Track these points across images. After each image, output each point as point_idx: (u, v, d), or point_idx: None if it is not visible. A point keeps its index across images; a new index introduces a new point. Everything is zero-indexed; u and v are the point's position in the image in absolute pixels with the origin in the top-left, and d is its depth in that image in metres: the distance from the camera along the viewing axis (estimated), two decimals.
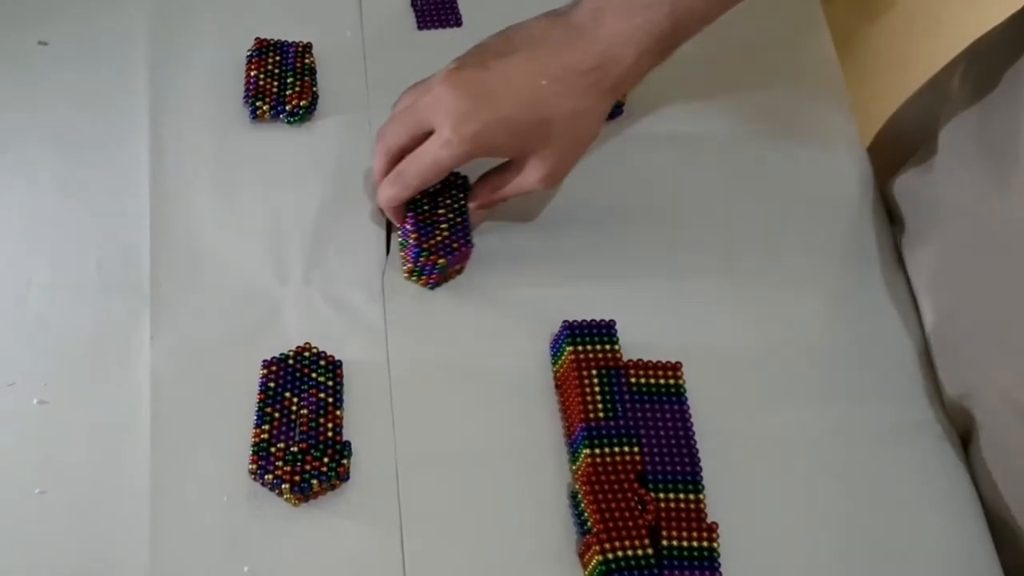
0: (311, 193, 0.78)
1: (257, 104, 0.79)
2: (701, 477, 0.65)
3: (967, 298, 0.71)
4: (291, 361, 0.69)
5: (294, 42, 0.82)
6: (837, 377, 0.72)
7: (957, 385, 0.71)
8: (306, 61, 0.82)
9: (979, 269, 0.70)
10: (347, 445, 0.66)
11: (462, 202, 0.73)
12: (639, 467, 0.65)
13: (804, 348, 0.73)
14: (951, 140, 0.75)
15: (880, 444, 0.70)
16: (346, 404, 0.68)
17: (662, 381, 0.68)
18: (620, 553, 0.62)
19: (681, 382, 0.69)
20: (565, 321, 0.70)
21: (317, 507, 0.65)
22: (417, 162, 0.69)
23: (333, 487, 0.66)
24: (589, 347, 0.69)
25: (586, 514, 0.64)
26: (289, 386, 0.68)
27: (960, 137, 0.74)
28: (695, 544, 0.63)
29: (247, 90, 0.80)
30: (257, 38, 0.82)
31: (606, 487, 0.64)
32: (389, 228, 0.76)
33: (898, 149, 0.82)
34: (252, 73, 0.80)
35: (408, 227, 0.72)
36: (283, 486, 0.64)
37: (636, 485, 0.65)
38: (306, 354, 0.69)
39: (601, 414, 0.67)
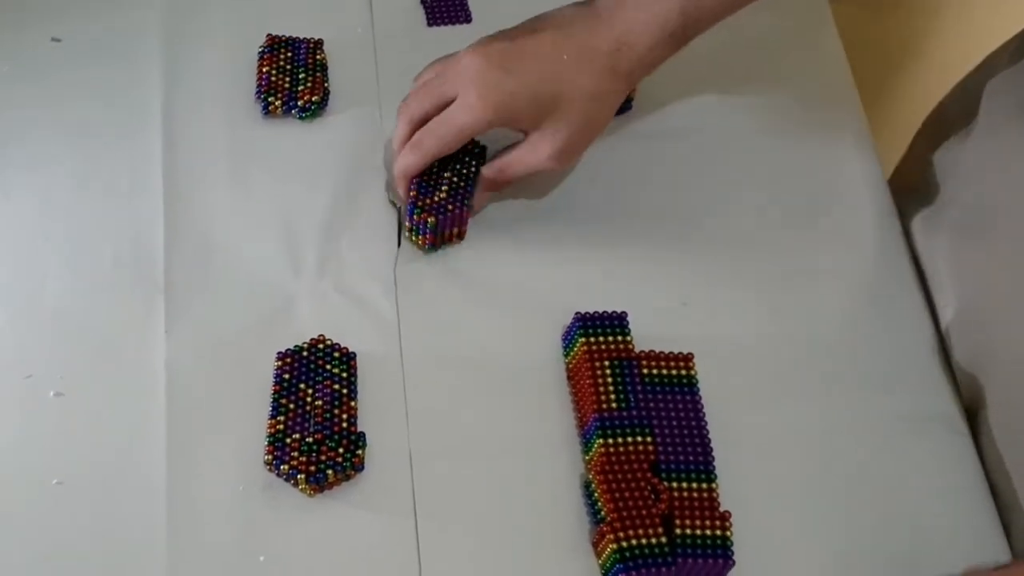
0: (323, 187, 0.78)
1: (269, 100, 0.80)
2: (714, 466, 0.66)
3: (995, 260, 0.72)
4: (305, 353, 0.69)
5: (306, 38, 0.83)
6: (848, 368, 0.73)
7: (969, 352, 0.72)
8: (317, 57, 0.82)
9: (1011, 228, 0.71)
10: (361, 436, 0.66)
11: (472, 169, 0.74)
12: (652, 457, 0.66)
13: (814, 339, 0.74)
14: (992, 103, 0.76)
15: (891, 435, 0.70)
16: (360, 395, 0.69)
17: (674, 372, 0.69)
18: (634, 542, 0.62)
19: (693, 373, 0.69)
20: (577, 313, 0.71)
21: (332, 497, 0.66)
22: (437, 127, 0.71)
23: (348, 477, 0.66)
24: (601, 338, 0.69)
25: (600, 503, 0.65)
26: (304, 377, 0.68)
27: (1002, 97, 0.75)
28: (708, 532, 0.63)
29: (259, 86, 0.80)
30: (269, 34, 0.83)
31: (619, 476, 0.65)
32: (400, 221, 0.77)
33: (942, 134, 0.82)
34: (264, 69, 0.81)
35: (412, 186, 0.73)
36: (298, 476, 0.64)
37: (649, 475, 0.65)
38: (320, 346, 0.69)
39: (614, 404, 0.67)
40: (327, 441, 0.66)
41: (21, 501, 0.65)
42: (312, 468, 0.65)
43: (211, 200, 0.77)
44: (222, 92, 0.81)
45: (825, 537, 0.67)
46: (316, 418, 0.67)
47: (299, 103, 0.80)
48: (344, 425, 0.67)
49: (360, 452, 0.66)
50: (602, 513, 0.64)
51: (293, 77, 0.81)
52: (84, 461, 0.66)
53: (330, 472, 0.65)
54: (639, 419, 0.67)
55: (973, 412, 0.72)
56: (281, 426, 0.66)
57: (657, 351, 0.69)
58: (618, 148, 0.81)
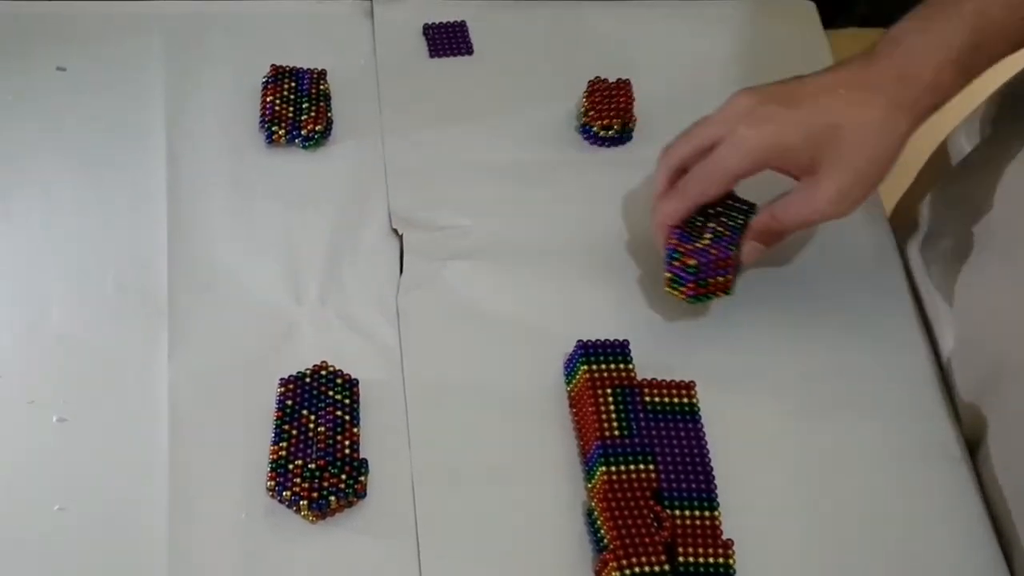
0: (326, 215, 0.79)
1: (273, 129, 0.80)
2: (716, 495, 0.66)
3: (996, 289, 0.72)
4: (308, 379, 0.69)
5: (309, 69, 0.84)
6: (848, 398, 0.73)
7: (972, 382, 0.72)
8: (321, 87, 0.83)
9: (1011, 257, 0.71)
10: (364, 462, 0.67)
11: (739, 221, 0.70)
12: (654, 484, 0.66)
13: (815, 369, 0.74)
14: (1007, 99, 0.77)
15: (892, 465, 0.71)
16: (362, 422, 0.69)
17: (676, 400, 0.69)
18: (637, 569, 0.62)
19: (695, 401, 0.69)
20: (579, 341, 0.71)
21: (334, 524, 0.66)
22: (701, 169, 0.68)
23: (350, 504, 0.66)
24: (603, 366, 0.70)
25: (602, 531, 0.65)
26: (306, 404, 0.68)
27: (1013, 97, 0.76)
28: (711, 560, 0.63)
29: (263, 115, 0.81)
30: (273, 65, 0.83)
31: (622, 504, 0.65)
32: (402, 250, 0.77)
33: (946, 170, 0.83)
34: (268, 99, 0.81)
35: (672, 235, 0.70)
36: (301, 503, 0.64)
37: (652, 502, 0.65)
38: (323, 372, 0.70)
39: (616, 432, 0.67)
40: (329, 467, 0.66)
41: (23, 527, 0.64)
42: (315, 494, 0.65)
43: (214, 227, 0.77)
44: (226, 121, 0.82)
45: (826, 566, 0.67)
46: (319, 444, 0.67)
47: (302, 132, 0.80)
48: (347, 451, 0.67)
49: (363, 479, 0.66)
50: (605, 541, 0.64)
51: (296, 107, 0.81)
52: (86, 487, 0.66)
53: (332, 498, 0.65)
54: (641, 447, 0.67)
55: (975, 443, 0.73)
56: (284, 452, 0.66)
57: (659, 379, 0.70)
58: (620, 176, 0.81)
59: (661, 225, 0.70)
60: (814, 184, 0.66)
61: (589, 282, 0.77)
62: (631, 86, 0.84)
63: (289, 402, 0.68)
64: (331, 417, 0.68)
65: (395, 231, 0.78)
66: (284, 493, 0.65)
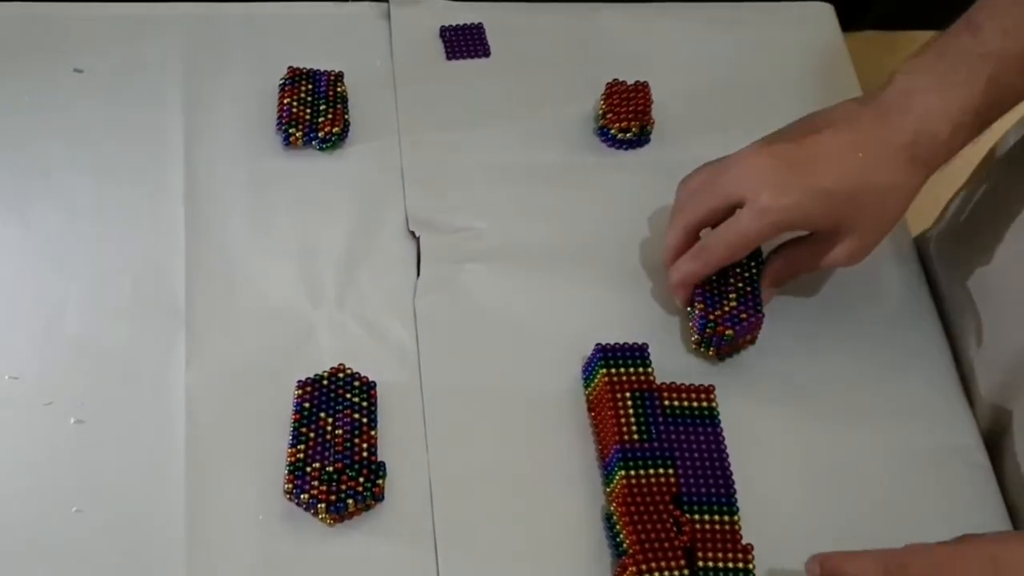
0: (343, 218, 0.78)
1: (290, 131, 0.80)
2: (736, 499, 0.65)
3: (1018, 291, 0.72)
4: (325, 382, 0.69)
5: (326, 71, 0.83)
6: (869, 401, 0.73)
7: (995, 383, 0.71)
8: (338, 89, 0.83)
9: None
10: (382, 465, 0.66)
11: (754, 271, 0.71)
12: (674, 489, 0.65)
13: (837, 372, 0.74)
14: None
15: (913, 468, 0.70)
16: (380, 425, 0.69)
17: (695, 404, 0.69)
18: (656, 574, 0.62)
19: (714, 405, 0.69)
20: (598, 344, 0.71)
21: (352, 527, 0.65)
22: (725, 233, 0.68)
23: (368, 507, 0.66)
24: (622, 370, 0.69)
25: (621, 536, 0.64)
26: (324, 406, 0.68)
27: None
28: (731, 565, 0.63)
29: (280, 117, 0.81)
30: (290, 67, 0.83)
31: (641, 508, 0.64)
32: (419, 252, 0.77)
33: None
34: (285, 101, 0.81)
35: (695, 296, 0.71)
36: (319, 505, 0.64)
37: (671, 507, 0.65)
38: (340, 375, 0.69)
39: (636, 436, 0.67)
40: (347, 470, 0.65)
41: (40, 529, 0.64)
42: (332, 497, 0.64)
43: (231, 230, 0.77)
44: (243, 123, 0.82)
45: None
46: (336, 447, 0.66)
47: (319, 134, 0.80)
48: (364, 454, 0.66)
49: (380, 482, 0.66)
50: (624, 545, 0.64)
51: (314, 109, 0.81)
52: (104, 489, 0.66)
53: (350, 501, 0.64)
54: (661, 451, 0.66)
55: (996, 439, 0.72)
56: (301, 455, 0.66)
57: (678, 383, 0.69)
58: (638, 179, 0.81)
59: (682, 286, 0.71)
60: (831, 240, 0.68)
61: (607, 285, 0.76)
62: (649, 88, 0.84)
63: (307, 405, 0.68)
64: (349, 420, 0.68)
65: (412, 233, 0.78)
66: (302, 496, 0.65)
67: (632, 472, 0.65)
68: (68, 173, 0.79)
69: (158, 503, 0.66)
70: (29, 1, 0.86)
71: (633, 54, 0.89)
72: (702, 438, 0.67)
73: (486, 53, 0.88)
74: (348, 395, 0.69)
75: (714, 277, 0.71)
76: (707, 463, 0.67)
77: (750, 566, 0.63)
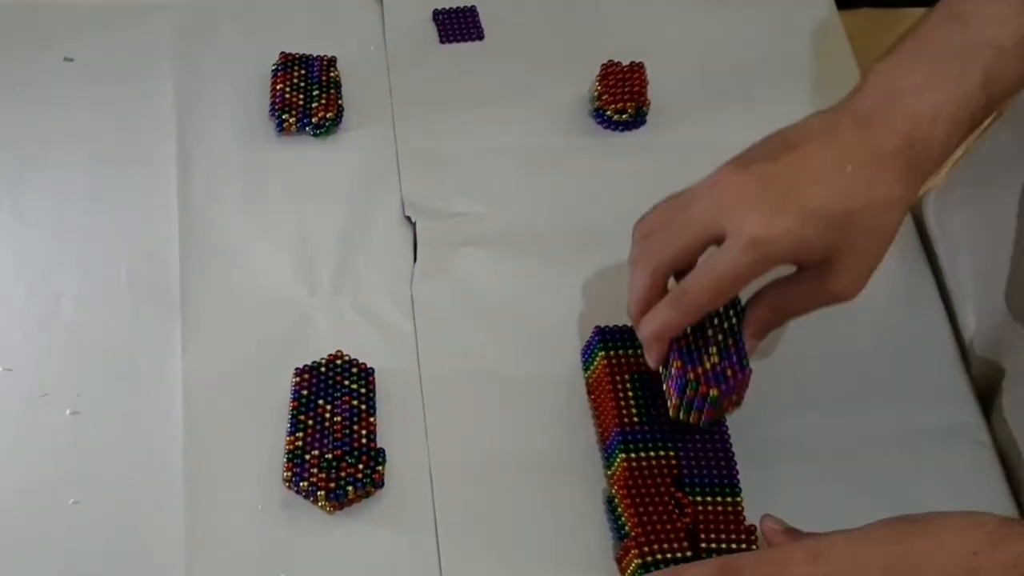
0: (338, 204, 0.78)
1: (284, 117, 0.80)
2: (738, 480, 0.65)
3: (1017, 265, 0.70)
4: (323, 369, 0.69)
5: (319, 56, 0.83)
6: (870, 381, 0.72)
7: (990, 334, 0.70)
8: (331, 75, 0.82)
9: None
10: (381, 452, 0.66)
11: (734, 319, 0.61)
12: (675, 471, 0.65)
13: (839, 352, 0.73)
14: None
15: (915, 447, 0.70)
16: (379, 411, 0.68)
17: None
18: (659, 556, 0.62)
19: None
20: (597, 327, 0.70)
21: (352, 514, 0.65)
22: (707, 275, 0.57)
23: (368, 494, 0.65)
24: (622, 352, 0.69)
25: (623, 518, 0.64)
26: (322, 394, 0.67)
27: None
28: (734, 547, 0.63)
29: (273, 103, 0.80)
30: (282, 52, 0.83)
31: (643, 491, 0.64)
32: (416, 238, 0.76)
33: None
34: (278, 87, 0.81)
35: (672, 353, 0.61)
36: (318, 493, 0.64)
37: (673, 489, 0.64)
38: (338, 362, 0.69)
39: (636, 419, 0.66)
40: (347, 457, 0.65)
41: (37, 520, 0.64)
42: (332, 485, 0.64)
43: (226, 217, 0.77)
44: (236, 109, 0.81)
45: None
46: (335, 434, 0.66)
47: (313, 120, 0.80)
48: (363, 441, 0.66)
49: (380, 468, 0.65)
50: (626, 528, 0.63)
51: (307, 94, 0.81)
52: (101, 480, 0.65)
53: (350, 488, 0.64)
54: (661, 433, 0.66)
55: (987, 398, 0.72)
56: (300, 442, 0.66)
57: None
58: (634, 160, 0.81)
59: (658, 340, 0.60)
60: (823, 274, 0.59)
61: (605, 268, 0.76)
62: (645, 69, 0.83)
63: (305, 392, 0.68)
64: (347, 407, 0.67)
65: (408, 219, 0.77)
66: (301, 484, 0.64)
67: (633, 455, 0.65)
68: (61, 162, 0.78)
69: (156, 493, 0.65)
70: None
71: (629, 35, 0.88)
72: None
73: (480, 36, 0.87)
74: (346, 382, 0.68)
75: (688, 328, 0.61)
76: (708, 444, 0.66)
77: (754, 547, 0.63)
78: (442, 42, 0.87)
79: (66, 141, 0.79)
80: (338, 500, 0.64)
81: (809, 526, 0.64)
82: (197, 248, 0.75)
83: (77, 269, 0.73)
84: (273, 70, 0.82)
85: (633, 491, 0.64)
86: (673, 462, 0.65)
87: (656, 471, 0.65)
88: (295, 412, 0.67)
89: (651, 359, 0.62)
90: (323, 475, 0.64)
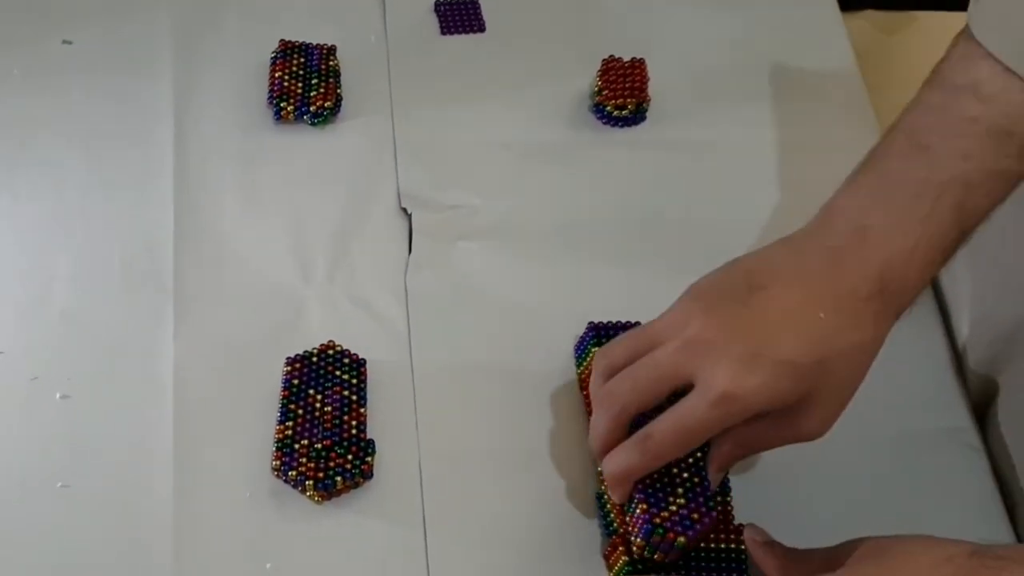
0: (334, 193, 0.78)
1: (281, 105, 0.79)
2: (728, 479, 0.65)
3: (1008, 269, 0.70)
4: (315, 358, 0.68)
5: (319, 44, 0.82)
6: (866, 383, 0.71)
7: (984, 338, 0.70)
8: (330, 63, 0.82)
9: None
10: (371, 443, 0.66)
11: (699, 456, 0.59)
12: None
13: None
14: None
15: (907, 451, 0.69)
16: (370, 402, 0.68)
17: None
18: (647, 552, 0.61)
19: None
20: (591, 322, 0.70)
21: (340, 505, 0.65)
22: (674, 425, 0.56)
23: (357, 485, 0.65)
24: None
25: (612, 515, 0.63)
26: (313, 383, 0.67)
27: None
28: (722, 546, 0.62)
29: (271, 91, 0.80)
30: (282, 40, 0.82)
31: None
32: (411, 229, 0.76)
33: None
34: (277, 74, 0.80)
35: (636, 492, 0.59)
36: (307, 483, 0.64)
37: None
38: (330, 352, 0.69)
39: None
40: (336, 447, 0.65)
41: (25, 504, 0.64)
42: (320, 475, 0.64)
43: (221, 204, 0.76)
44: (234, 96, 0.81)
45: None
46: (325, 424, 0.66)
47: (311, 109, 0.79)
48: (353, 432, 0.66)
49: (369, 459, 0.65)
50: (614, 525, 0.63)
51: (305, 83, 0.80)
52: (90, 465, 0.65)
53: (339, 479, 0.64)
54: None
55: (983, 411, 0.71)
56: (290, 432, 0.65)
57: None
58: (633, 157, 0.80)
59: (621, 483, 0.59)
60: (792, 416, 0.57)
61: (601, 264, 0.75)
62: (645, 65, 0.83)
63: (295, 381, 0.67)
64: (338, 397, 0.67)
65: (404, 210, 0.77)
66: (290, 473, 0.64)
67: None
68: (57, 146, 0.78)
69: (145, 479, 0.65)
70: None
71: (631, 30, 0.88)
72: None
73: (481, 28, 0.87)
74: (338, 372, 0.68)
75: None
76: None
77: (742, 546, 0.63)
78: (443, 33, 0.87)
79: (63, 125, 0.79)
80: (326, 490, 0.64)
81: (797, 528, 0.64)
82: (192, 235, 0.75)
83: (71, 253, 0.73)
84: (272, 58, 0.82)
85: None
86: None
87: None
88: (285, 401, 0.66)
89: (615, 498, 0.60)
90: (312, 465, 0.64)
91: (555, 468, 0.67)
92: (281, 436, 0.65)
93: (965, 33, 0.60)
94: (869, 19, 1.12)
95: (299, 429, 0.65)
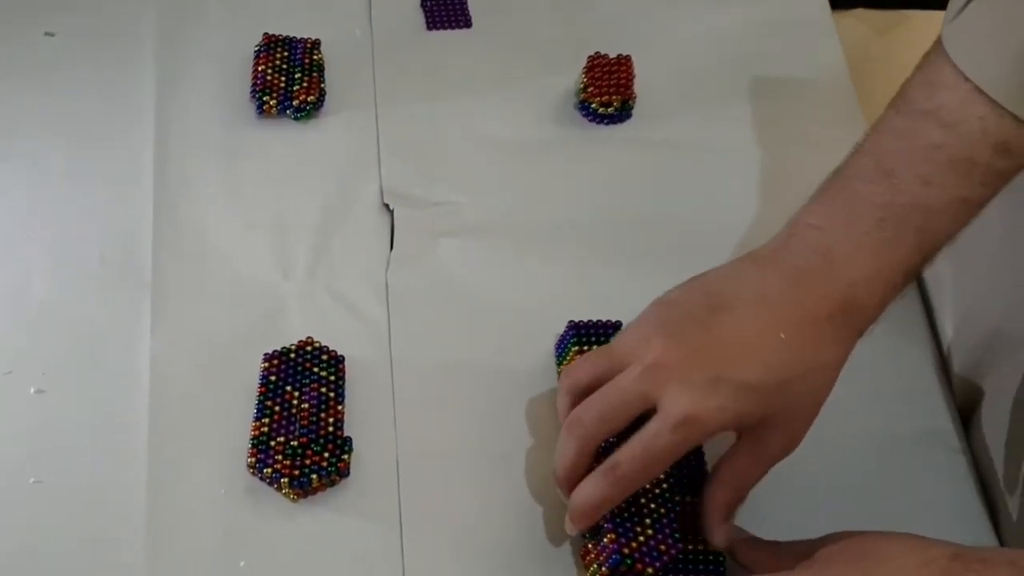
0: (316, 189, 0.77)
1: (264, 99, 0.79)
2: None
3: (992, 272, 0.70)
4: (293, 355, 0.68)
5: (303, 38, 0.82)
6: (846, 385, 0.71)
7: (969, 340, 0.70)
8: (314, 58, 0.81)
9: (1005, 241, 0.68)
10: (348, 441, 0.65)
11: (664, 485, 0.60)
12: None
13: None
14: None
15: (888, 453, 0.69)
16: (348, 400, 0.67)
17: None
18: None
19: None
20: (571, 321, 0.69)
21: (316, 503, 0.64)
22: (640, 452, 0.56)
23: (333, 483, 0.64)
24: (595, 347, 0.68)
25: None
26: (290, 380, 0.67)
27: None
28: (701, 547, 0.62)
29: (254, 85, 0.79)
30: (265, 33, 0.82)
31: None
32: (393, 224, 0.75)
33: None
34: (260, 68, 0.80)
35: (606, 524, 0.59)
36: (282, 480, 0.63)
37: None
38: (308, 348, 0.68)
39: None
40: (312, 445, 0.64)
41: None
42: (296, 472, 0.63)
43: (202, 199, 0.76)
44: (216, 90, 0.80)
45: None
46: (302, 421, 0.65)
47: (294, 103, 0.79)
48: (330, 429, 0.65)
49: (346, 457, 0.64)
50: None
51: (289, 77, 0.80)
52: (63, 460, 0.64)
53: (314, 477, 0.63)
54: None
55: (967, 415, 0.71)
56: (266, 428, 0.65)
57: None
58: (619, 155, 0.80)
59: (587, 517, 0.58)
60: (759, 438, 0.58)
61: (584, 262, 0.75)
62: (632, 62, 0.82)
63: (273, 378, 0.67)
64: (315, 394, 0.66)
65: (387, 206, 0.76)
66: (265, 470, 0.63)
67: None
68: (37, 138, 0.78)
69: (118, 475, 0.64)
70: None
71: (618, 27, 0.87)
72: None
73: (468, 24, 0.87)
74: (316, 369, 0.67)
75: None
76: None
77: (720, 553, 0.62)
78: (429, 29, 0.86)
79: (43, 117, 0.78)
80: (302, 488, 0.63)
81: (779, 530, 0.64)
82: (171, 229, 0.74)
83: (49, 246, 0.73)
84: (255, 51, 0.81)
85: None
86: None
87: None
88: (262, 398, 0.66)
89: (579, 528, 0.59)
90: (288, 462, 0.63)
91: (534, 467, 0.66)
92: (257, 433, 0.65)
93: (934, 52, 0.60)
94: (860, 17, 1.12)
95: (275, 426, 0.65)
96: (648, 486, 0.60)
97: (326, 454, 0.64)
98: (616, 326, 0.69)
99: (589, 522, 0.59)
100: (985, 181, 0.58)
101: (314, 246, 0.74)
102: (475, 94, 0.83)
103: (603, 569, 0.59)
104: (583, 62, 0.82)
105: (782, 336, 0.57)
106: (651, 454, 0.56)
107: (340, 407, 0.66)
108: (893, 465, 0.68)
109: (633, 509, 0.59)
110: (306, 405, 0.66)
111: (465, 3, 0.87)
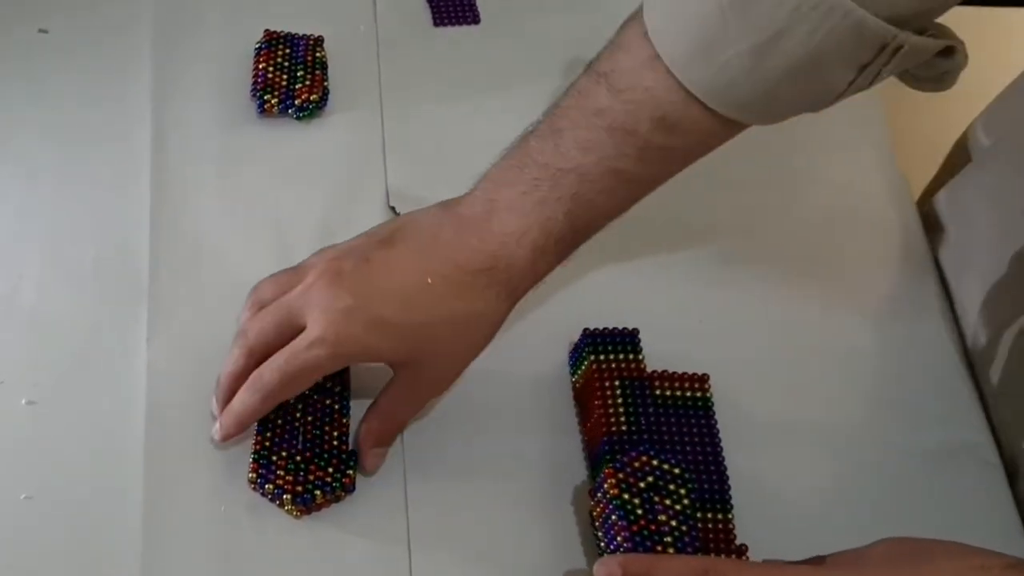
0: (319, 191, 0.75)
1: (265, 98, 0.76)
2: (730, 495, 0.62)
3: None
4: None
5: (305, 35, 0.79)
6: (872, 396, 0.69)
7: (999, 351, 0.68)
8: (317, 55, 0.78)
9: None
10: (353, 455, 0.63)
11: (686, 502, 0.59)
12: None
13: (839, 363, 0.70)
14: (1008, 140, 0.72)
15: (918, 467, 0.67)
16: (353, 412, 0.65)
17: (688, 393, 0.65)
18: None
19: (708, 395, 0.65)
20: (586, 329, 0.67)
21: (320, 520, 0.62)
22: (281, 364, 0.59)
23: (337, 499, 0.62)
24: (611, 356, 0.65)
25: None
26: None
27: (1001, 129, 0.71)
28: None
29: (255, 83, 0.77)
30: (266, 30, 0.79)
31: None
32: None
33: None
34: (261, 66, 0.77)
35: (621, 540, 0.57)
36: (284, 496, 0.61)
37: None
38: None
39: (624, 427, 0.63)
40: (316, 460, 0.62)
41: None
42: (299, 488, 0.61)
43: (200, 202, 0.73)
44: (216, 88, 0.78)
45: None
46: (305, 435, 0.63)
47: (296, 102, 0.76)
48: (335, 443, 0.63)
49: (351, 472, 0.62)
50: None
51: (291, 75, 0.77)
52: (55, 475, 0.62)
53: (318, 493, 0.61)
54: (651, 443, 0.62)
55: (1005, 428, 0.69)
56: (267, 443, 0.62)
57: (670, 371, 0.66)
58: None
59: (237, 424, 0.60)
60: (411, 376, 0.61)
61: (597, 267, 0.72)
62: None
63: None
64: (319, 406, 0.64)
65: (392, 208, 0.74)
66: (266, 486, 0.61)
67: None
68: (31, 137, 0.75)
69: (113, 491, 0.62)
70: None
71: None
72: (695, 430, 0.64)
73: (475, 19, 0.84)
74: (320, 380, 0.64)
75: (641, 510, 0.58)
76: (700, 456, 0.63)
77: None
78: (435, 24, 0.84)
79: (37, 116, 0.76)
80: (305, 504, 0.61)
81: (804, 547, 0.61)
82: (168, 233, 0.71)
83: (41, 250, 0.70)
84: (256, 48, 0.78)
85: None
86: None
87: None
88: None
89: (222, 436, 0.61)
90: (290, 478, 0.61)
91: (547, 481, 0.64)
92: (258, 447, 0.62)
93: (638, 11, 0.59)
94: None
95: (277, 440, 0.62)
96: (669, 502, 0.58)
97: (330, 469, 0.62)
98: (633, 334, 0.66)
99: (237, 430, 0.60)
100: (643, 156, 0.58)
101: (317, 250, 0.71)
102: (483, 92, 0.80)
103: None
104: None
105: (429, 280, 0.59)
106: (290, 368, 0.58)
107: (345, 420, 0.64)
108: (928, 479, 0.66)
109: (653, 527, 0.58)
110: (310, 418, 0.63)
111: None
